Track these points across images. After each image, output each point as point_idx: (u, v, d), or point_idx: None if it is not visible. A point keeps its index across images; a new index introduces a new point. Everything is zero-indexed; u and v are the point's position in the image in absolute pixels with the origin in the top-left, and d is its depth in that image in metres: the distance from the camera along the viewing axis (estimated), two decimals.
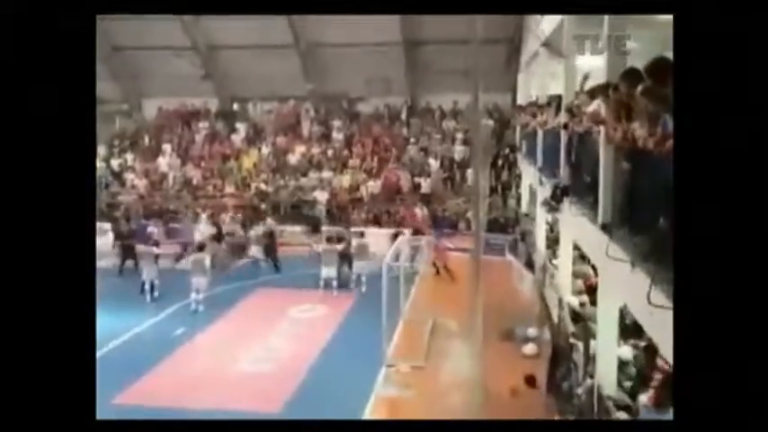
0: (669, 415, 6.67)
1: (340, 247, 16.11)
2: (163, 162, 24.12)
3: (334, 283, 15.60)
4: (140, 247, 16.11)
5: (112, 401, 9.66)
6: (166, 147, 24.57)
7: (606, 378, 7.59)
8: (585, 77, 9.13)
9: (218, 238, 18.48)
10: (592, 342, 8.47)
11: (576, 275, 10.90)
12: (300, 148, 24.17)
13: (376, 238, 17.30)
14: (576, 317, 9.75)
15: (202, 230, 18.74)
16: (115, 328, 12.62)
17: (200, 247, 15.50)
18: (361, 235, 17.26)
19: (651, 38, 8.08)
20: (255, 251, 17.84)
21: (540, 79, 16.30)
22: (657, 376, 7.20)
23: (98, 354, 11.46)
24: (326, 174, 22.98)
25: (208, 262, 14.89)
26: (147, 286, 15.19)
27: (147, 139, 25.54)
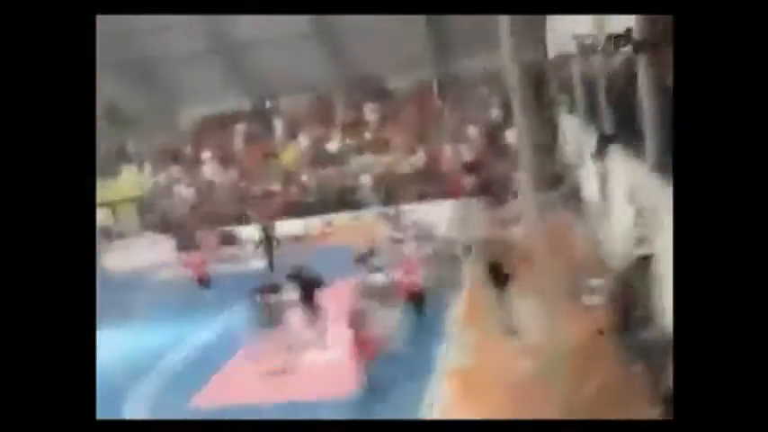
0: None
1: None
2: (207, 170, 24.58)
3: None
4: None
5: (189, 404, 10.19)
6: (206, 154, 24.98)
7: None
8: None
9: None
10: (657, 286, 8.25)
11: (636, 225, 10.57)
12: (338, 135, 24.19)
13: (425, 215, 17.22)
14: (639, 263, 9.47)
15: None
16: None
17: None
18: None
19: None
20: None
21: (570, 25, 15.63)
22: None
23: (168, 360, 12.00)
24: (368, 157, 22.94)
25: None
26: None
27: (189, 149, 25.96)
